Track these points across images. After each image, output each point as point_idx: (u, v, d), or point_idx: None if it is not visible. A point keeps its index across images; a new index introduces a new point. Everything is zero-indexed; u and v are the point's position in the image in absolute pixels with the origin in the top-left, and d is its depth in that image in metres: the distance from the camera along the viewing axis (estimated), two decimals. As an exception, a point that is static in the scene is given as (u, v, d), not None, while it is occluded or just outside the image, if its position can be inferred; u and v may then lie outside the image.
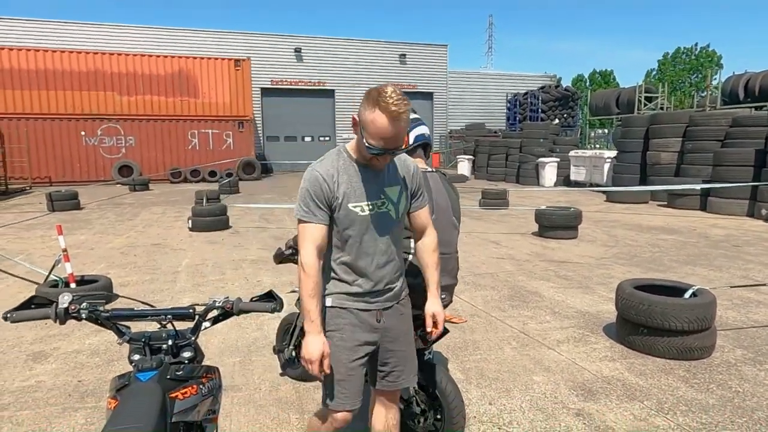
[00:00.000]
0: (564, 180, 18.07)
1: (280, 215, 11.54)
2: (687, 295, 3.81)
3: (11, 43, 21.31)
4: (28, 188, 18.20)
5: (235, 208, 11.60)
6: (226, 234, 9.31)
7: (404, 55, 29.75)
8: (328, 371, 1.86)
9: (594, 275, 6.15)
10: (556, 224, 8.48)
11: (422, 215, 2.08)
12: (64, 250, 5.07)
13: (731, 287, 5.21)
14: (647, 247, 7.82)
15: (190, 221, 9.67)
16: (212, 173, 21.37)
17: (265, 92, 27.13)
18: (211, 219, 9.64)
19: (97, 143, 20.76)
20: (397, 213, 1.98)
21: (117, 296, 1.78)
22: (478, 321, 4.58)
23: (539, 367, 3.64)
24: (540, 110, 27.28)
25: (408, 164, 2.05)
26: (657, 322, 3.66)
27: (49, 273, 5.11)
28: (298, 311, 3.24)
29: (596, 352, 3.91)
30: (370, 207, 1.91)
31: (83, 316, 1.65)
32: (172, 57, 21.78)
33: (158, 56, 21.61)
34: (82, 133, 20.50)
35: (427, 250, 2.10)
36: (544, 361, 3.76)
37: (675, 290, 3.96)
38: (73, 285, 4.98)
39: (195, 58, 22.07)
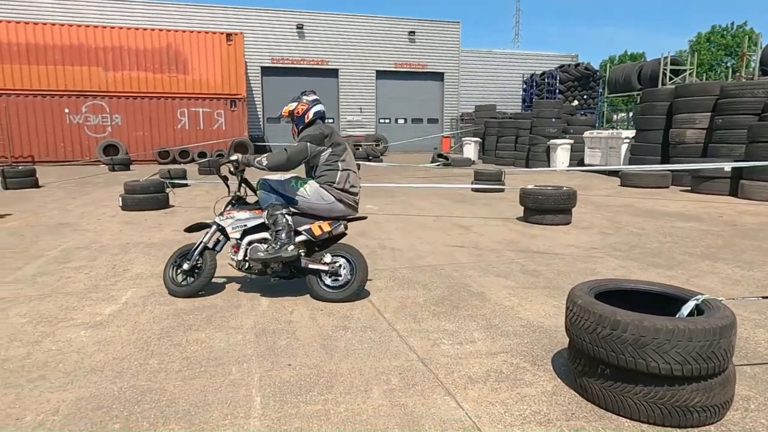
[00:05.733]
0: (578, 164, 16.21)
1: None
2: (685, 311, 2.23)
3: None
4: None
5: (204, 186, 10.19)
6: (159, 213, 7.98)
7: (413, 32, 27.92)
8: None
9: (572, 271, 4.55)
10: (544, 207, 6.84)
11: None
12: None
13: (762, 298, 3.52)
14: (655, 236, 6.13)
15: (120, 199, 8.38)
16: (202, 154, 20.16)
17: (265, 71, 25.75)
18: (145, 197, 8.32)
19: (82, 121, 19.73)
20: None
21: None
22: (366, 337, 3.06)
23: None
24: (558, 91, 25.20)
25: None
26: (627, 357, 2.10)
27: None
28: None
29: (524, 403, 2.34)
30: None
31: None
32: (160, 30, 20.54)
33: (145, 29, 20.40)
34: (66, 110, 19.49)
35: None
36: (425, 420, 2.22)
37: (667, 300, 2.39)
38: None
39: (184, 31, 20.81)
